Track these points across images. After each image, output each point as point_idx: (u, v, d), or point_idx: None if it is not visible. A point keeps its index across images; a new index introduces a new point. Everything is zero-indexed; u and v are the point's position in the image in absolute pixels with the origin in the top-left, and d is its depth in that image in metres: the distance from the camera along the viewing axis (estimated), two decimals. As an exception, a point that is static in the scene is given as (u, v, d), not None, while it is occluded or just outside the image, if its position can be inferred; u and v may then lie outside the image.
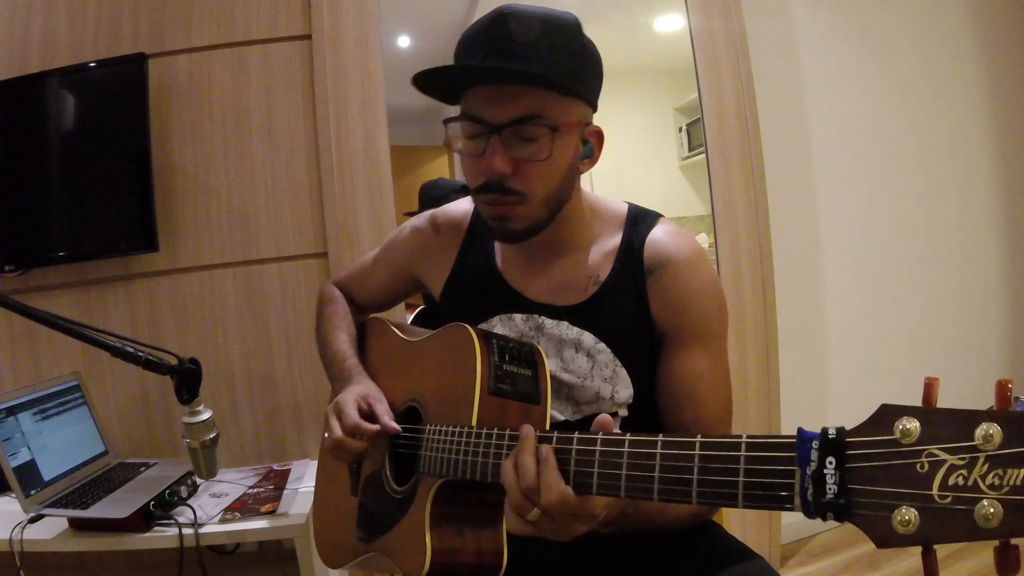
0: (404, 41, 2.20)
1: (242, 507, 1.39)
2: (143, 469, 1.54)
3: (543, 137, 0.79)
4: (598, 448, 0.62)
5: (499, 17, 0.79)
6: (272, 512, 1.37)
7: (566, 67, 0.79)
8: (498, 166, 0.79)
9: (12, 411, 1.39)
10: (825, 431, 0.46)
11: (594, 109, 0.86)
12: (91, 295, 1.74)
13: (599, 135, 0.88)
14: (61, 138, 1.68)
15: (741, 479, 0.50)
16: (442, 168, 2.42)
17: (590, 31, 0.84)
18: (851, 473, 0.44)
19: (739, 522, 1.86)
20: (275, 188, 1.76)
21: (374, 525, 0.91)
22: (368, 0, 1.75)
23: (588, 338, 0.88)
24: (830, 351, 2.18)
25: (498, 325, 0.93)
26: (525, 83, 0.78)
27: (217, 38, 1.75)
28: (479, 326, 0.89)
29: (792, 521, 2.07)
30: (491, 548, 0.80)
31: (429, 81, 0.81)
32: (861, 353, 2.18)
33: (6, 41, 1.71)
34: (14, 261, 1.67)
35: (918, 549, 0.44)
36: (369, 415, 0.91)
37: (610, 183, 2.29)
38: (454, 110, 0.86)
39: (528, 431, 0.66)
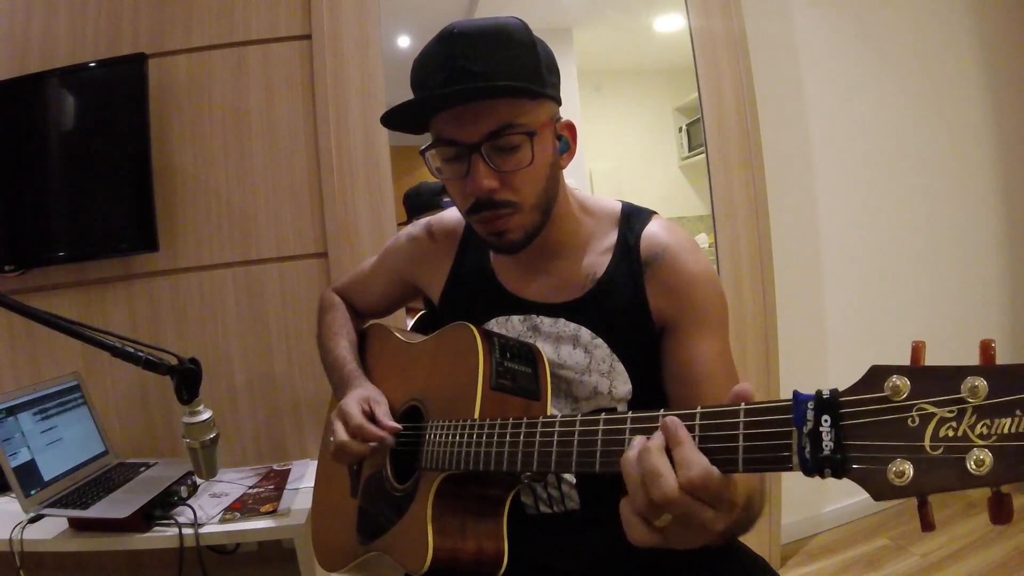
0: (404, 41, 2.20)
1: (242, 507, 1.40)
2: (143, 469, 1.54)
3: (522, 143, 0.79)
4: (601, 428, 0.62)
5: (448, 37, 0.78)
6: (272, 512, 1.37)
7: (526, 71, 0.79)
8: (484, 183, 0.79)
9: (12, 411, 1.40)
10: (820, 392, 0.48)
11: (559, 103, 0.87)
12: (91, 295, 1.75)
13: (571, 127, 0.88)
14: (61, 138, 1.68)
15: (741, 444, 0.52)
16: (442, 168, 2.41)
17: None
18: (846, 430, 0.46)
19: (739, 522, 1.86)
20: (275, 188, 1.76)
21: (375, 525, 0.91)
22: (368, 0, 1.75)
23: (585, 333, 0.89)
24: (830, 351, 2.18)
25: (495, 328, 0.93)
26: (493, 97, 0.77)
27: (217, 38, 1.75)
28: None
29: (792, 521, 2.07)
30: (492, 546, 0.80)
31: (396, 118, 0.81)
32: (861, 353, 2.18)
33: (6, 41, 1.72)
34: (14, 261, 1.67)
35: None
36: (371, 417, 0.91)
37: (610, 183, 2.29)
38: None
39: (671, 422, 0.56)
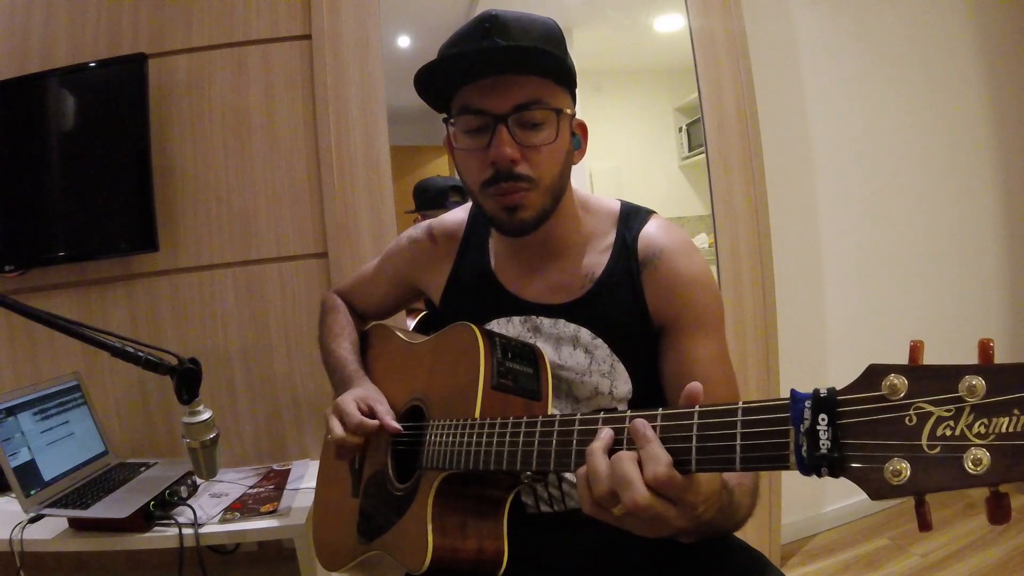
0: (404, 41, 2.20)
1: (242, 507, 1.40)
2: (143, 469, 1.54)
3: (548, 120, 0.82)
4: (600, 427, 0.62)
5: (485, 19, 0.80)
6: (272, 512, 1.37)
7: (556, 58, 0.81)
8: (508, 152, 0.80)
9: (12, 411, 1.40)
10: (817, 391, 0.48)
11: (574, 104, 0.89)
12: (91, 295, 1.74)
13: (584, 128, 0.91)
14: (61, 138, 1.68)
15: (738, 443, 0.52)
16: (442, 168, 2.42)
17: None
18: (843, 429, 0.46)
19: (739, 522, 1.86)
20: (275, 188, 1.76)
21: (376, 524, 0.91)
22: (368, 0, 1.75)
23: (585, 334, 0.89)
24: (830, 351, 2.18)
25: (497, 328, 0.93)
26: (525, 73, 0.80)
27: (217, 38, 1.75)
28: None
29: (792, 521, 2.07)
30: (492, 545, 0.80)
31: (427, 78, 0.81)
32: (861, 353, 2.17)
33: (6, 41, 1.72)
34: (14, 261, 1.67)
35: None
36: (369, 416, 0.91)
37: (610, 183, 2.29)
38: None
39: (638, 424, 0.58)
